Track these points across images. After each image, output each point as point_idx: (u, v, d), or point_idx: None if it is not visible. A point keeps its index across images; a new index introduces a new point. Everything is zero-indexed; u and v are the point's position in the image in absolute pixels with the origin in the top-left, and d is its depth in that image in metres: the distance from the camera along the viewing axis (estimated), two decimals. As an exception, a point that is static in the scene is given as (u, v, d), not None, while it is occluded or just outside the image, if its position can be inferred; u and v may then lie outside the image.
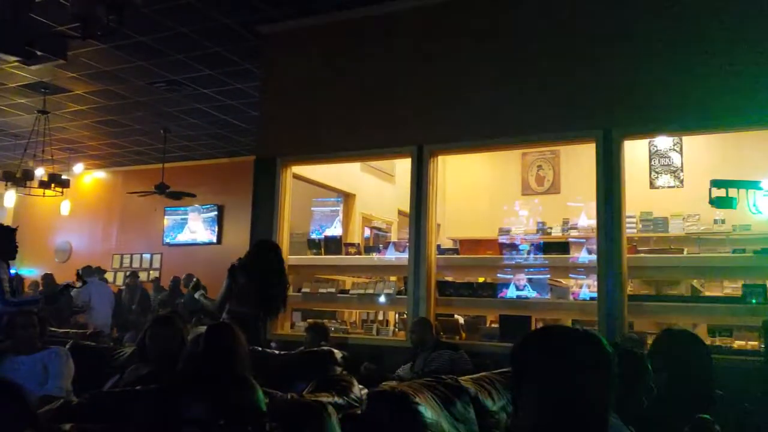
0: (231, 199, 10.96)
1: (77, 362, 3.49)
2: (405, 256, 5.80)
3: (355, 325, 6.74)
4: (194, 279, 5.12)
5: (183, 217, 11.38)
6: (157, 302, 9.49)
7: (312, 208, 8.26)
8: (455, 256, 5.89)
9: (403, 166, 7.17)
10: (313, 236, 7.75)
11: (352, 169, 7.69)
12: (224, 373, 2.52)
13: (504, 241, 6.02)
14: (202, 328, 3.30)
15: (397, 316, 6.92)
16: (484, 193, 8.38)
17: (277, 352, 4.57)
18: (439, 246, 5.94)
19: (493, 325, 5.76)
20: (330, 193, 8.19)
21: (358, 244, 6.54)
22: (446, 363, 4.69)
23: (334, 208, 8.15)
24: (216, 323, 3.03)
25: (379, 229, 8.06)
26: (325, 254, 6.40)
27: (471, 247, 5.92)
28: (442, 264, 5.73)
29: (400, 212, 8.26)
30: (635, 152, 6.98)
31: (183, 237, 11.28)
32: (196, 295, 5.03)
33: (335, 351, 3.81)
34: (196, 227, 11.21)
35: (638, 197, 6.60)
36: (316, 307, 6.74)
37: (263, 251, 4.85)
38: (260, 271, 4.72)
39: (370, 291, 5.98)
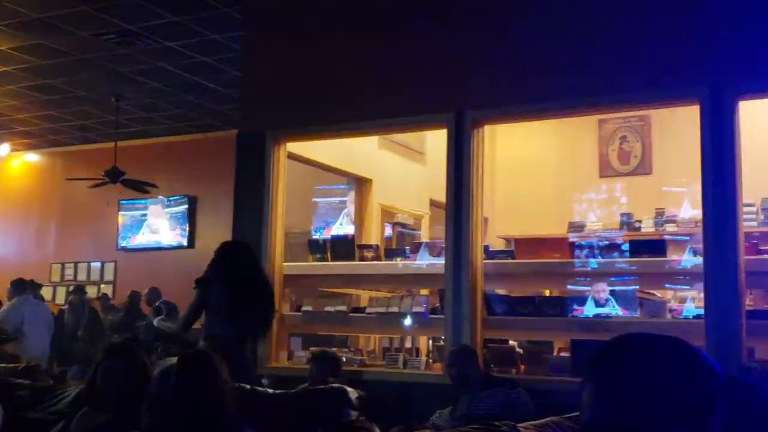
0: (206, 188, 11.05)
1: (5, 406, 3.54)
2: (441, 261, 5.80)
3: (374, 354, 6.79)
4: (159, 303, 5.20)
5: (143, 213, 11.50)
6: (110, 326, 9.62)
7: (314, 199, 8.32)
8: (509, 261, 5.88)
9: (436, 141, 7.17)
10: (316, 236, 7.79)
11: (367, 145, 7.74)
12: (205, 423, 2.54)
13: (576, 240, 5.98)
14: (171, 360, 3.33)
15: (430, 342, 6.93)
16: (548, 176, 8.38)
17: (270, 391, 4.61)
18: (486, 248, 5.92)
19: (562, 354, 5.76)
20: (338, 179, 8.23)
21: (377, 246, 6.57)
22: (499, 405, 4.69)
23: (343, 198, 8.19)
24: (191, 352, 3.05)
25: (405, 226, 8.08)
26: (333, 260, 6.43)
27: (530, 248, 5.88)
28: (491, 272, 5.73)
29: (432, 202, 8.28)
30: (756, 119, 6.81)
31: (143, 239, 11.40)
32: (156, 322, 5.15)
33: (349, 389, 3.83)
34: (159, 226, 11.32)
35: (761, 180, 6.42)
36: (322, 330, 6.79)
37: (237, 254, 4.96)
38: (240, 280, 4.81)
39: (394, 309, 6.01)
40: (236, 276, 4.80)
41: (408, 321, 6.02)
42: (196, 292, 4.83)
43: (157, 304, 7.70)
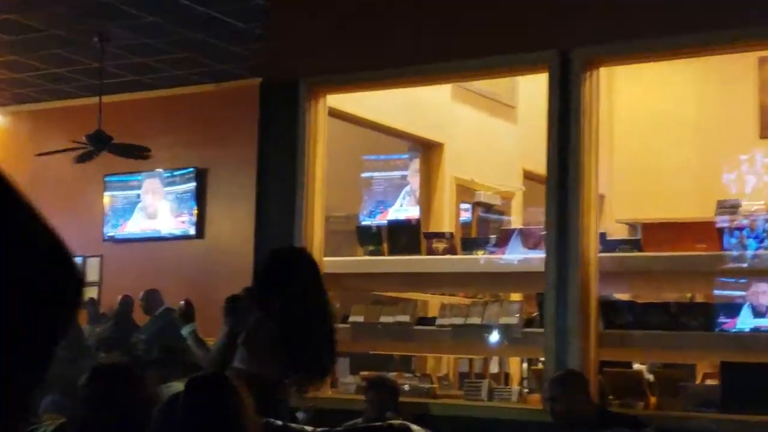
0: (219, 158, 11.15)
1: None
2: (539, 255, 5.77)
3: (447, 381, 6.78)
4: (180, 304, 5.09)
5: (136, 191, 11.67)
6: (96, 341, 9.81)
7: (363, 174, 8.32)
8: (634, 254, 5.79)
9: (532, 89, 7.11)
10: (368, 222, 7.80)
11: (436, 97, 7.72)
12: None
13: (727, 224, 5.84)
14: (177, 386, 3.34)
15: (525, 365, 6.88)
16: (688, 137, 8.30)
17: (309, 429, 4.61)
18: (603, 236, 5.85)
19: (708, 382, 5.73)
20: (397, 144, 8.21)
21: (451, 234, 6.56)
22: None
23: (404, 171, 8.16)
24: (202, 375, 3.06)
25: (490, 208, 8.03)
26: (391, 254, 6.45)
27: (663, 236, 5.79)
28: (609, 269, 5.67)
29: (527, 175, 8.22)
30: None
31: (137, 226, 11.58)
32: (185, 332, 5.06)
33: (414, 427, 3.81)
34: (158, 209, 11.47)
35: None
36: (377, 349, 6.80)
37: (291, 266, 4.82)
38: (293, 304, 4.72)
39: (475, 320, 5.99)
40: (285, 297, 4.71)
41: (494, 336, 5.99)
42: (226, 323, 4.77)
43: (180, 305, 7.73)
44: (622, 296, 6.22)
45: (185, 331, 5.00)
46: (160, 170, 11.44)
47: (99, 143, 10.00)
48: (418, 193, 7.99)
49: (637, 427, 4.83)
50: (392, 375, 6.39)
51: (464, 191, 8.10)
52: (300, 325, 4.63)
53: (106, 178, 11.74)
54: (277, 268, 4.77)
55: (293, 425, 4.58)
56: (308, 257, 5.01)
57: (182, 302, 5.09)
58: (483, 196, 8.05)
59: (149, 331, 8.95)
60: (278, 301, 4.63)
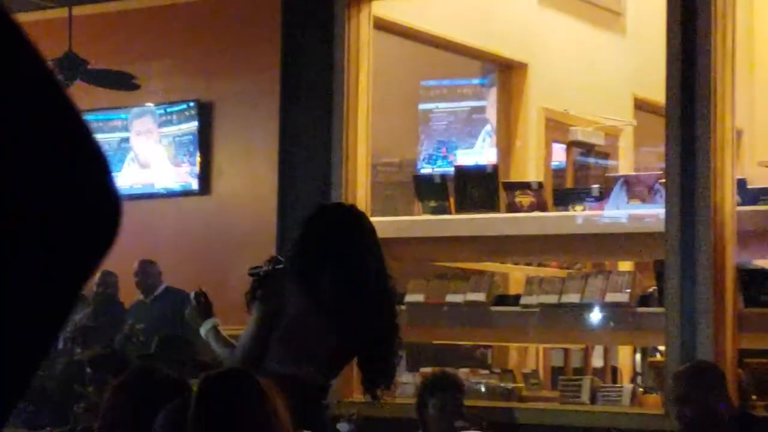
0: (228, 87, 11.21)
1: None
2: (656, 211, 5.81)
3: (536, 379, 6.85)
4: (193, 297, 5.05)
5: (120, 133, 11.78)
6: (71, 331, 9.98)
7: (421, 106, 8.34)
8: (786, 208, 5.82)
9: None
10: (428, 170, 7.84)
11: (518, 3, 7.79)
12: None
13: None
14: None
15: (639, 357, 6.91)
16: None
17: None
18: (742, 183, 5.88)
19: None
20: (465, 65, 8.23)
21: (539, 185, 6.60)
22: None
23: (476, 103, 8.17)
24: (219, 372, 3.17)
25: (591, 148, 8.04)
26: (459, 212, 6.52)
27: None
28: (751, 227, 5.72)
29: (639, 104, 8.24)
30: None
31: (123, 179, 11.72)
32: (204, 331, 5.10)
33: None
34: (151, 155, 11.57)
35: None
36: (442, 337, 6.91)
37: (347, 229, 4.72)
38: (349, 282, 4.67)
39: (571, 298, 6.04)
40: (352, 282, 4.65)
41: (597, 319, 6.04)
42: (257, 309, 4.77)
43: (194, 292, 7.83)
44: (768, 263, 6.20)
45: (204, 329, 4.99)
46: (152, 105, 11.54)
47: (69, 69, 10.10)
48: (495, 131, 8.02)
49: None
50: (463, 372, 6.41)
51: (556, 127, 8.10)
52: (358, 311, 4.56)
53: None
54: (325, 231, 4.66)
55: (338, 437, 4.70)
56: (366, 219, 4.95)
57: (194, 292, 5.03)
58: (581, 134, 8.06)
59: (149, 317, 9.04)
60: (327, 277, 4.57)
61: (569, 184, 7.77)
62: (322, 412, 4.67)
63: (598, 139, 8.13)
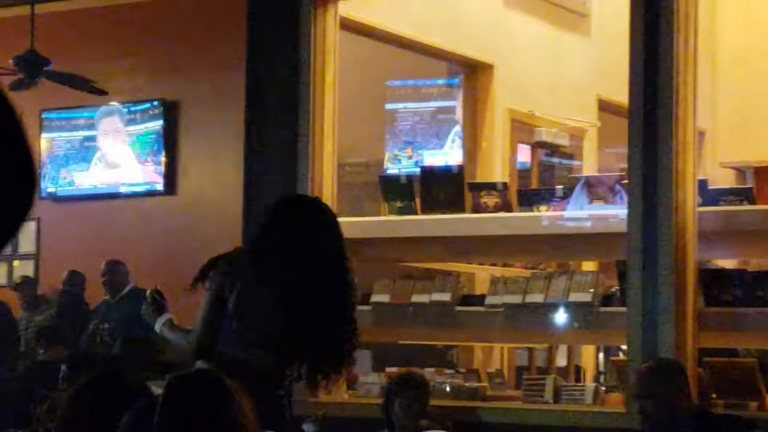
0: (194, 86, 11.18)
1: None
2: (619, 211, 5.85)
3: (501, 378, 6.90)
4: (148, 294, 5.09)
5: (87, 132, 11.70)
6: (35, 332, 9.92)
7: (387, 106, 8.34)
8: (743, 207, 5.87)
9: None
10: (394, 170, 7.86)
11: (485, 3, 7.83)
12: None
13: None
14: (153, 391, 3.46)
15: (602, 356, 6.94)
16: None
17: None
18: (703, 184, 5.93)
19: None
20: (433, 65, 8.26)
21: (504, 185, 6.64)
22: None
23: (443, 103, 8.18)
24: (187, 374, 3.18)
25: (555, 149, 8.06)
26: (425, 212, 6.53)
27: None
28: (711, 227, 5.75)
29: (603, 105, 8.30)
30: None
31: (88, 178, 11.62)
32: (158, 326, 5.14)
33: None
34: (117, 154, 11.51)
35: None
36: (408, 337, 6.93)
37: (302, 217, 4.81)
38: (303, 267, 4.72)
39: (535, 298, 6.08)
40: (305, 267, 4.72)
41: (561, 319, 6.07)
42: (208, 294, 4.81)
43: (149, 292, 7.80)
44: (729, 263, 6.23)
45: (158, 325, 5.03)
46: (117, 104, 11.50)
47: (31, 67, 10.05)
48: (462, 132, 8.02)
49: (740, 427, 4.88)
50: (429, 372, 6.43)
51: (522, 128, 8.13)
52: (311, 296, 4.64)
53: (44, 114, 11.81)
54: (281, 219, 4.75)
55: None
56: (329, 211, 4.99)
57: (149, 291, 5.06)
58: (546, 134, 8.10)
59: (115, 317, 9.00)
60: (282, 263, 4.64)
61: (534, 184, 7.80)
62: (275, 398, 4.70)
63: (562, 140, 8.17)
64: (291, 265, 4.59)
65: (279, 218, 4.75)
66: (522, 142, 8.13)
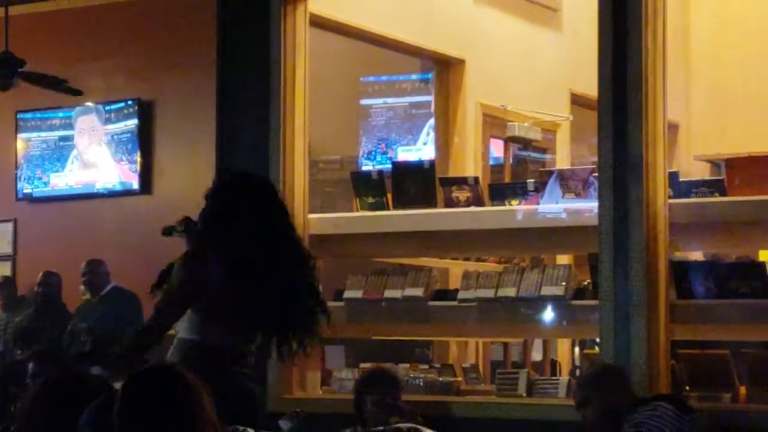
0: (168, 85, 11.16)
1: None
2: (590, 205, 5.85)
3: (475, 374, 6.86)
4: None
5: (63, 132, 11.68)
6: (12, 333, 9.90)
7: (362, 102, 8.33)
8: (715, 199, 5.86)
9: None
10: (368, 166, 7.85)
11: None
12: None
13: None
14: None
15: (576, 350, 6.93)
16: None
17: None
18: (674, 176, 5.92)
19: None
20: (405, 61, 8.23)
21: (476, 180, 6.60)
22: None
23: (415, 98, 8.17)
24: (148, 369, 3.15)
25: (527, 144, 8.06)
26: (397, 207, 6.51)
27: (755, 175, 5.80)
28: (683, 221, 5.73)
29: (576, 99, 8.29)
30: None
31: (64, 179, 11.60)
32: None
33: (428, 432, 3.90)
34: (93, 155, 11.49)
35: None
36: (382, 332, 6.87)
37: (249, 195, 4.90)
38: (259, 240, 4.80)
39: (508, 292, 6.06)
40: (243, 232, 4.79)
41: (533, 313, 6.06)
42: (178, 274, 4.84)
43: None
44: (701, 256, 6.23)
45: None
46: (92, 104, 11.45)
47: (6, 68, 10.01)
48: (435, 128, 8.03)
49: (680, 408, 4.84)
50: (403, 367, 6.43)
51: (494, 123, 8.13)
52: (264, 269, 4.71)
53: (19, 115, 11.76)
54: (231, 195, 4.89)
55: (273, 434, 4.70)
56: (271, 187, 5.10)
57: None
58: (518, 129, 8.10)
59: (94, 317, 8.99)
60: (232, 239, 4.71)
61: (507, 179, 7.80)
62: (231, 377, 4.71)
63: (535, 135, 8.17)
64: (241, 240, 4.69)
65: (226, 197, 4.89)
66: (494, 137, 8.12)
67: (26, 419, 3.32)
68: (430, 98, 8.11)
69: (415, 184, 6.51)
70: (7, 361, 9.61)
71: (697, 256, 6.46)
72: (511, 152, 8.10)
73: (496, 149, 8.15)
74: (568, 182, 6.14)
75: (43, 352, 7.77)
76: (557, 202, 6.15)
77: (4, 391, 8.17)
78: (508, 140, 8.09)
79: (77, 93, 10.27)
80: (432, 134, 8.01)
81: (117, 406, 2.80)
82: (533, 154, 8.15)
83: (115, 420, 2.79)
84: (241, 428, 3.83)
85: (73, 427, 3.08)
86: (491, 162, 8.09)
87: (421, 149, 8.00)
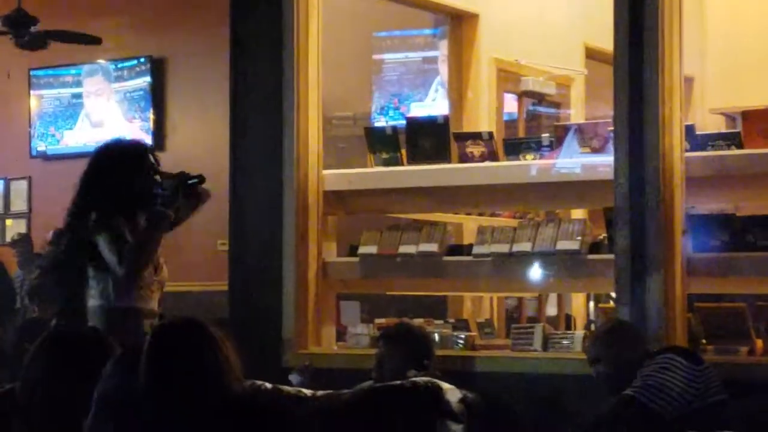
0: (180, 42, 11.15)
1: None
2: (606, 160, 5.83)
3: (490, 328, 6.89)
4: None
5: (74, 89, 11.69)
6: (27, 290, 9.94)
7: (374, 57, 8.29)
8: (732, 152, 5.84)
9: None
10: (381, 122, 7.81)
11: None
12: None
13: None
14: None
15: (591, 304, 6.92)
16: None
17: (307, 392, 4.69)
18: (690, 129, 5.90)
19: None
20: (418, 16, 8.20)
21: (490, 135, 6.58)
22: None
23: (428, 53, 8.14)
24: (170, 322, 3.15)
25: (542, 98, 8.03)
26: (411, 163, 6.50)
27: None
28: (699, 175, 5.72)
29: (591, 53, 8.24)
30: None
31: (76, 137, 11.62)
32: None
33: (446, 388, 3.90)
34: (104, 111, 11.49)
35: None
36: (396, 288, 6.90)
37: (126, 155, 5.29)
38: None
39: (523, 247, 6.04)
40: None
41: (548, 267, 6.05)
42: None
43: None
44: (718, 208, 6.21)
45: None
46: (103, 62, 11.44)
47: (19, 26, 10.00)
48: (447, 83, 7.99)
49: (696, 362, 4.83)
50: (418, 322, 6.43)
51: (508, 77, 8.09)
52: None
53: (32, 73, 11.76)
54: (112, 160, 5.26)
55: (287, 388, 4.70)
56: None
57: None
58: (532, 83, 8.06)
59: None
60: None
61: (521, 133, 7.77)
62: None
63: (549, 89, 8.13)
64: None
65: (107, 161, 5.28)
66: (510, 91, 8.08)
67: (26, 375, 3.34)
68: (437, 53, 8.06)
69: (429, 139, 6.49)
70: (24, 319, 9.66)
71: (714, 209, 6.41)
72: (524, 107, 8.05)
73: (510, 104, 8.11)
74: (585, 137, 6.12)
75: (67, 309, 7.80)
76: (573, 157, 6.13)
77: (21, 348, 8.19)
78: (523, 95, 8.05)
79: (96, 41, 10.26)
80: (441, 90, 7.97)
81: (143, 359, 2.81)
82: (547, 110, 8.10)
83: (142, 373, 2.80)
84: (259, 382, 3.84)
85: (73, 383, 3.13)
86: (505, 118, 8.05)
87: (431, 105, 7.96)
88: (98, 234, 5.03)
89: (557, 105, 8.26)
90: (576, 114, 8.14)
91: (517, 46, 8.11)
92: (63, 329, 3.79)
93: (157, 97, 11.14)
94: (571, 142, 6.16)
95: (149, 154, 5.34)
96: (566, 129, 6.41)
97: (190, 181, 5.17)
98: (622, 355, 4.97)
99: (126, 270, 5.00)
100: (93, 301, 5.12)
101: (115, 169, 5.18)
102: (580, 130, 6.24)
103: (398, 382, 4.53)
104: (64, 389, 3.15)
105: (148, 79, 11.23)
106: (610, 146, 5.85)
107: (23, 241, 11.03)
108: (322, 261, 6.37)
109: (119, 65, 11.37)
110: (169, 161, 10.65)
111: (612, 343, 5.03)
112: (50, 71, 11.67)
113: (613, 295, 5.96)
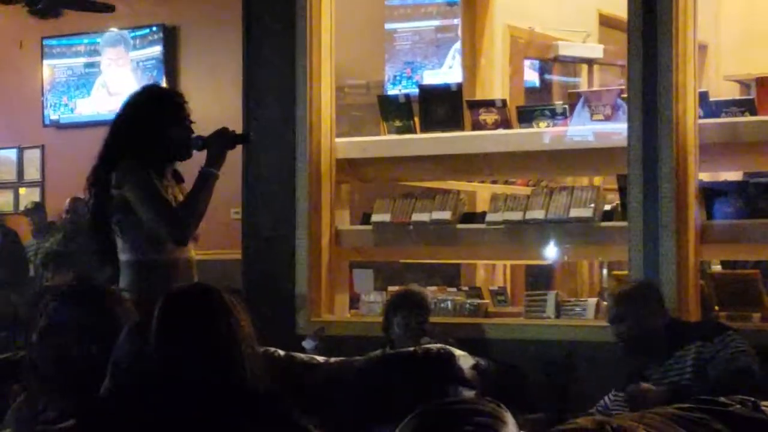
0: (193, 10, 11.14)
1: None
2: (619, 126, 5.82)
3: (503, 296, 6.91)
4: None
5: (88, 59, 11.70)
6: (43, 257, 9.99)
7: (387, 25, 8.28)
8: (746, 118, 5.83)
9: None
10: (394, 90, 7.80)
11: None
12: (215, 393, 2.70)
13: None
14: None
15: (605, 272, 6.92)
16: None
17: (320, 359, 4.74)
18: (704, 96, 5.89)
19: None
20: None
21: (503, 102, 6.59)
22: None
23: (442, 21, 8.12)
24: (182, 288, 3.16)
25: (553, 64, 8.01)
26: (424, 131, 6.51)
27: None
28: (713, 139, 5.72)
29: (603, 20, 8.21)
30: None
31: (90, 106, 11.63)
32: None
33: (458, 354, 3.93)
34: (119, 80, 11.52)
35: None
36: (409, 256, 6.92)
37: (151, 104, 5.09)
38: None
39: (536, 215, 6.06)
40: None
41: (563, 235, 6.07)
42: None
43: None
44: (731, 176, 6.21)
45: None
46: (117, 30, 11.44)
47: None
48: (462, 51, 7.96)
49: (716, 333, 4.86)
50: (431, 290, 6.46)
51: (520, 43, 8.08)
52: None
53: (45, 42, 11.77)
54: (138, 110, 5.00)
55: (300, 355, 4.73)
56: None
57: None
58: (546, 50, 8.05)
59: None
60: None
61: (536, 100, 7.76)
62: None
63: (564, 54, 8.11)
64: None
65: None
66: (524, 57, 8.07)
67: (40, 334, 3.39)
68: (457, 21, 8.03)
69: (442, 107, 6.49)
70: (38, 286, 9.70)
71: (727, 176, 6.42)
72: (540, 74, 8.04)
73: (529, 72, 8.09)
74: (597, 104, 6.11)
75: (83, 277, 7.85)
76: (585, 124, 6.13)
77: (35, 317, 8.24)
78: (537, 61, 8.03)
79: (110, 9, 10.26)
80: (458, 58, 7.94)
81: (155, 324, 2.83)
82: (564, 78, 8.08)
83: (153, 338, 2.81)
84: (272, 349, 3.86)
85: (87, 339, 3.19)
86: (526, 84, 8.04)
87: (447, 73, 7.94)
88: (129, 186, 4.79)
89: (570, 75, 8.24)
90: (588, 81, 8.14)
91: (532, 14, 8.11)
92: (86, 284, 3.77)
93: (169, 66, 11.14)
94: (582, 110, 6.15)
95: (185, 104, 5.17)
96: (578, 96, 6.41)
97: (236, 141, 5.20)
98: (645, 314, 4.97)
99: (182, 233, 4.84)
100: (123, 256, 4.88)
101: (154, 116, 4.95)
102: (590, 98, 6.23)
103: (411, 348, 4.57)
104: (76, 344, 3.21)
105: (160, 47, 11.23)
106: (622, 113, 5.86)
107: (36, 210, 11.07)
108: (335, 229, 6.40)
109: (132, 34, 11.37)
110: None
111: (636, 301, 5.03)
112: (63, 40, 11.66)
113: (628, 261, 5.96)
